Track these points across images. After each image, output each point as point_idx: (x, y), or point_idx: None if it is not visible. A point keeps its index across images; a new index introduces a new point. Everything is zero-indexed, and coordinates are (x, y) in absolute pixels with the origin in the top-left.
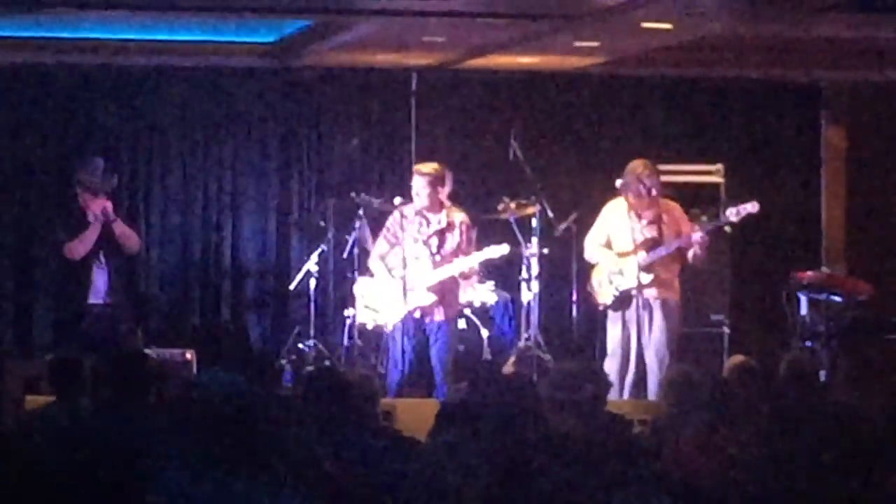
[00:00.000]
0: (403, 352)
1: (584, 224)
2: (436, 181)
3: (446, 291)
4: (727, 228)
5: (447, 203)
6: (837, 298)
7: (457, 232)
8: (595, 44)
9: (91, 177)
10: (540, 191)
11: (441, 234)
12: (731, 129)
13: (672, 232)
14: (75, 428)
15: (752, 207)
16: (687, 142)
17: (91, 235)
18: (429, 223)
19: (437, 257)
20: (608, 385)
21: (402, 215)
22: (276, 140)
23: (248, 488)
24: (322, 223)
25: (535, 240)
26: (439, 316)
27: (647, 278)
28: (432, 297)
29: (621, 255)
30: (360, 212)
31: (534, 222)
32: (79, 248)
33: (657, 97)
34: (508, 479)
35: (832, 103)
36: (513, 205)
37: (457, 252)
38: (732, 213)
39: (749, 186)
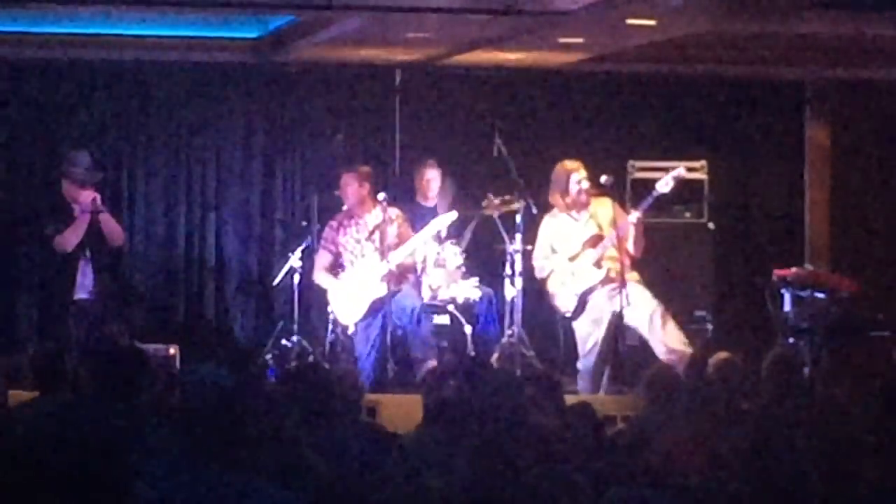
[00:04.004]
0: (368, 350)
1: None
2: (362, 179)
3: (401, 274)
4: (699, 219)
5: (379, 201)
6: (821, 295)
7: (395, 224)
8: (579, 40)
9: (78, 168)
10: (524, 187)
11: (381, 228)
12: (714, 125)
13: (610, 224)
14: (60, 422)
15: (681, 171)
16: (670, 138)
17: (80, 226)
18: (366, 223)
19: (383, 250)
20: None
21: (338, 223)
22: (261, 135)
23: (234, 482)
24: (305, 221)
25: (518, 236)
26: (406, 295)
27: (600, 275)
28: (384, 288)
29: (570, 258)
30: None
31: (518, 219)
32: (69, 239)
33: (640, 93)
34: (492, 475)
35: (815, 100)
36: (497, 201)
37: (398, 242)
38: (663, 184)
39: (732, 183)
